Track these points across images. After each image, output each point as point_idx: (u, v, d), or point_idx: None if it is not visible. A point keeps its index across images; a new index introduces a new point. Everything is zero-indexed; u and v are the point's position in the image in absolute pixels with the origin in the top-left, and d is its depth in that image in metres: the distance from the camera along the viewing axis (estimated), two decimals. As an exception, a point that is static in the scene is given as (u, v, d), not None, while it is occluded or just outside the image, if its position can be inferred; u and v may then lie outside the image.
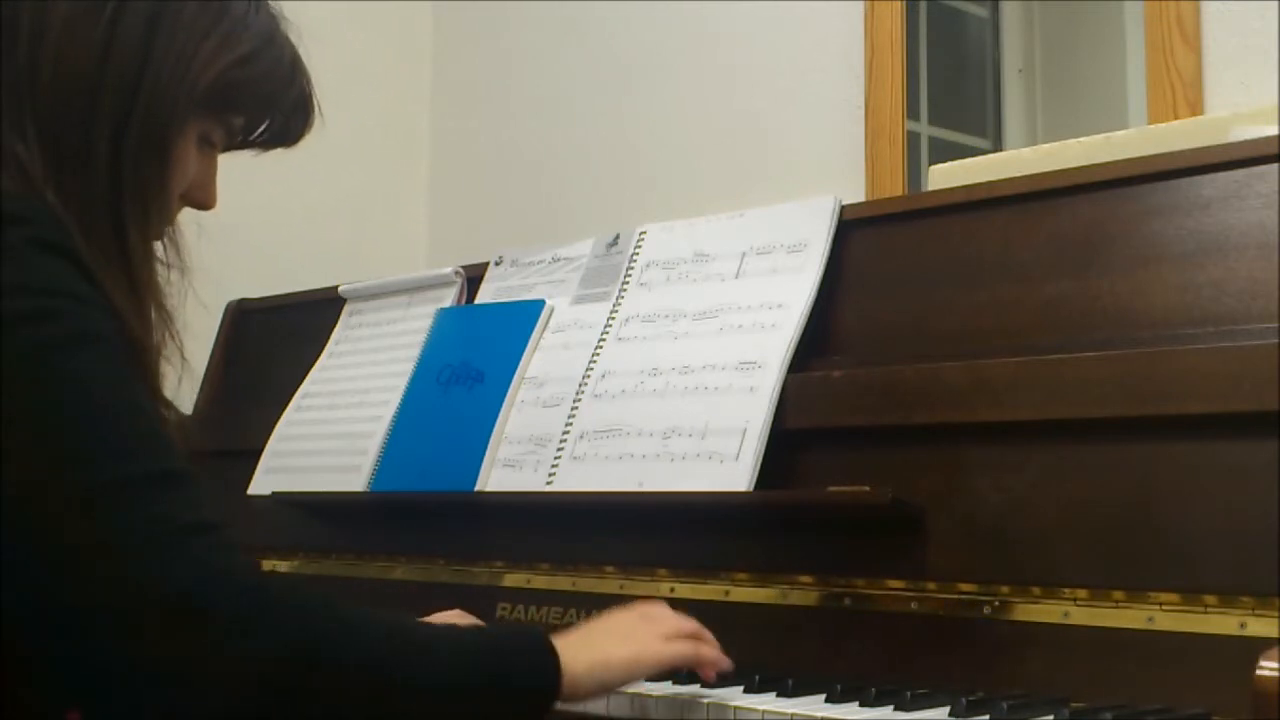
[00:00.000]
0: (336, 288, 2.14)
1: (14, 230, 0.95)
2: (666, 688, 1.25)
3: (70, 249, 0.97)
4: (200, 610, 0.90)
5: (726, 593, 1.46)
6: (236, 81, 1.11)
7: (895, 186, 2.26)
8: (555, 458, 1.62)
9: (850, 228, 1.56)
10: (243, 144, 1.20)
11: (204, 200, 1.16)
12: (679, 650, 1.19)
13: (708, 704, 1.20)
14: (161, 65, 1.05)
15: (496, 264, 1.92)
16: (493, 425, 1.70)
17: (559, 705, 1.11)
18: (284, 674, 0.93)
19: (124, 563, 0.90)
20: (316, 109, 1.20)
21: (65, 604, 0.90)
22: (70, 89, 1.03)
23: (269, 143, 1.20)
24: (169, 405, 1.07)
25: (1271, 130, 1.33)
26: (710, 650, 1.21)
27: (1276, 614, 1.12)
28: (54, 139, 1.02)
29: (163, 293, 1.10)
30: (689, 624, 1.23)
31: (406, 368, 1.88)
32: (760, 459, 1.44)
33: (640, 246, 1.74)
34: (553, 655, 1.10)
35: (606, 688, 1.15)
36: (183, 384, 1.13)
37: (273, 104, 1.16)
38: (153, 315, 1.07)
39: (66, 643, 0.91)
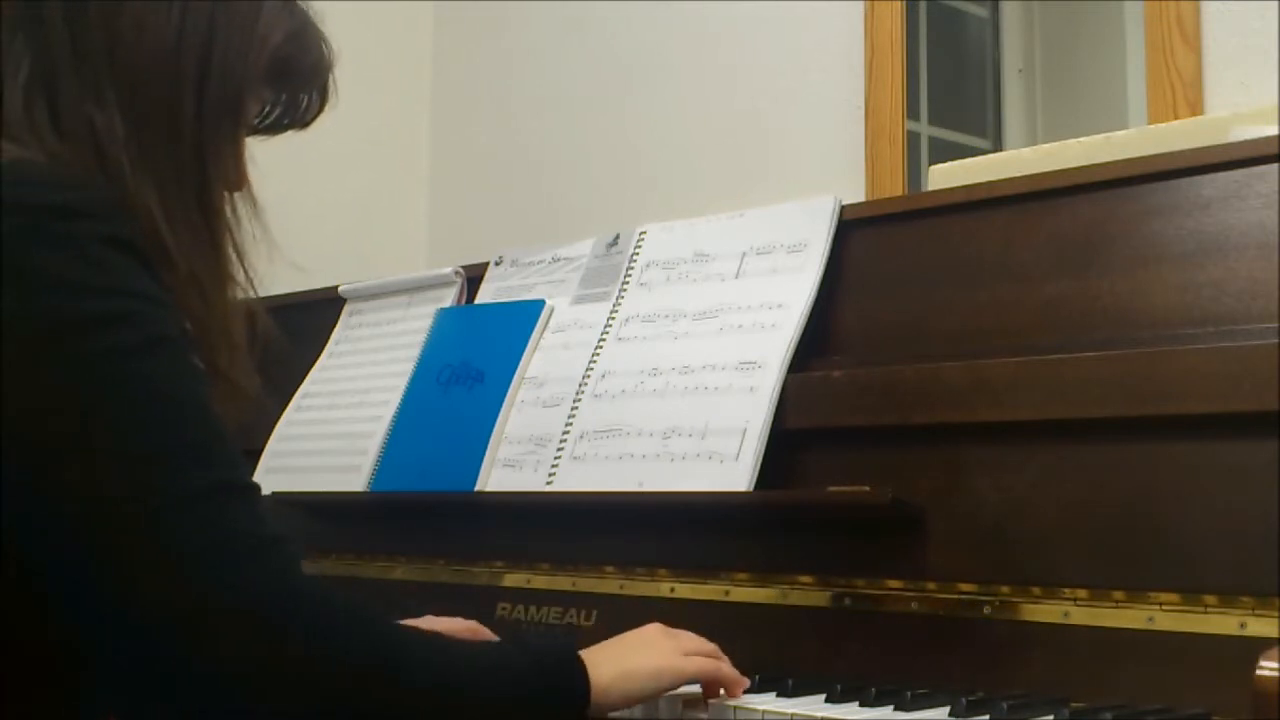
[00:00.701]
0: (336, 288, 2.14)
1: (81, 225, 0.94)
2: (666, 688, 1.25)
3: (139, 245, 0.96)
4: (271, 624, 0.91)
5: (726, 593, 1.46)
6: (290, 56, 1.14)
7: (895, 186, 2.26)
8: (555, 458, 1.62)
9: (850, 228, 1.55)
10: (267, 124, 1.20)
11: (240, 180, 1.16)
12: (701, 665, 1.20)
13: (708, 703, 1.20)
14: (231, 30, 1.07)
15: (496, 264, 1.92)
16: (493, 425, 1.70)
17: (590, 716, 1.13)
18: (347, 691, 0.94)
19: (195, 575, 0.90)
20: (334, 89, 1.22)
21: (135, 614, 0.90)
22: (151, 54, 1.03)
23: (283, 125, 1.21)
24: (235, 374, 1.07)
25: (1271, 130, 1.33)
26: (729, 669, 1.21)
27: (1276, 614, 1.12)
28: (135, 103, 1.02)
29: (245, 259, 1.11)
30: (708, 644, 1.23)
31: (406, 368, 1.88)
32: (760, 459, 1.44)
33: (640, 246, 1.74)
34: (582, 668, 1.12)
35: (630, 699, 1.16)
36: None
37: (312, 80, 1.18)
38: (237, 274, 1.09)
39: (133, 652, 0.92)
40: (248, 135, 1.19)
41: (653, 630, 1.22)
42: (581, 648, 1.15)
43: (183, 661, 0.90)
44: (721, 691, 1.21)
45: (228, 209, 1.09)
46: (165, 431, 0.92)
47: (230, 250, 1.09)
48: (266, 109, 1.18)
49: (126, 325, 0.93)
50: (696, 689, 1.23)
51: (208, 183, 1.06)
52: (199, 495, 0.91)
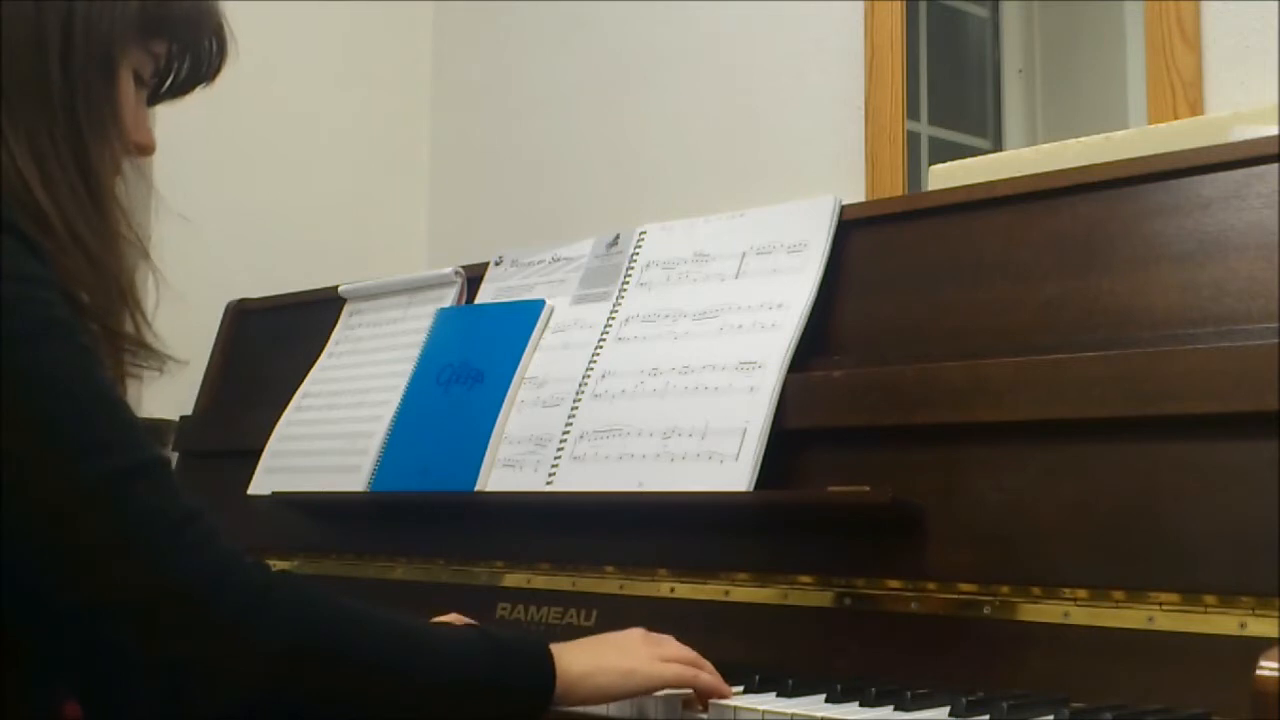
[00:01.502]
0: (336, 288, 2.14)
1: None
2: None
3: (12, 223, 0.95)
4: (202, 603, 0.91)
5: (726, 593, 1.46)
6: (162, 3, 1.11)
7: (895, 186, 2.26)
8: (555, 458, 1.62)
9: (850, 228, 1.55)
10: (170, 85, 1.18)
11: (145, 142, 1.15)
12: (676, 672, 1.19)
13: (708, 703, 1.20)
14: None
15: (496, 264, 1.92)
16: (493, 425, 1.70)
17: (555, 708, 1.12)
18: (287, 665, 0.93)
19: (119, 559, 0.90)
20: (232, 39, 1.19)
21: (64, 601, 0.90)
22: (12, 21, 1.03)
23: (187, 82, 1.19)
24: (145, 337, 1.06)
25: (1271, 130, 1.33)
26: (709, 677, 1.20)
27: (1276, 614, 1.12)
28: (2, 73, 1.02)
29: (131, 218, 1.09)
30: (690, 653, 1.22)
31: (406, 368, 1.88)
32: (760, 459, 1.44)
33: (640, 246, 1.74)
34: (549, 657, 1.11)
35: (601, 695, 1.16)
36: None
37: (193, 29, 1.15)
38: (123, 247, 1.06)
39: (68, 639, 0.91)
40: (166, 99, 1.18)
41: (633, 633, 1.22)
42: None
43: (115, 646, 0.90)
44: (711, 701, 1.20)
45: (110, 169, 1.07)
46: (64, 422, 0.91)
47: (115, 209, 1.07)
48: (166, 67, 1.16)
49: (22, 310, 0.92)
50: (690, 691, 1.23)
51: (84, 144, 1.04)
52: (105, 483, 0.90)
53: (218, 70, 1.19)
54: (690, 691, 1.22)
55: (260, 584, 0.95)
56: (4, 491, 0.89)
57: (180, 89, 1.19)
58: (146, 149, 1.15)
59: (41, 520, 0.89)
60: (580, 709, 1.22)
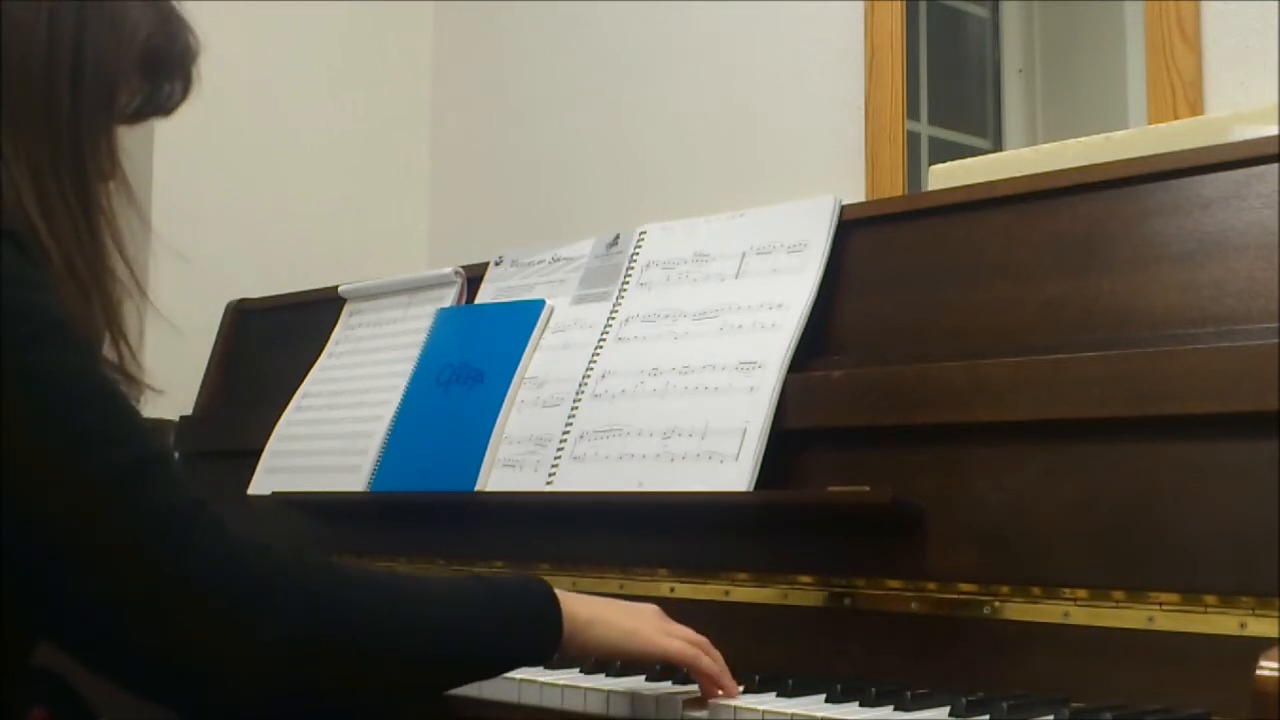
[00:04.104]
0: (336, 288, 2.14)
1: None
2: (666, 687, 1.25)
3: (11, 230, 0.96)
4: (207, 593, 0.92)
5: (726, 593, 1.46)
6: (159, 48, 1.13)
7: (895, 186, 2.26)
8: (555, 458, 1.62)
9: (850, 228, 1.55)
10: (130, 113, 1.19)
11: (113, 169, 1.15)
12: (679, 647, 1.19)
13: (708, 703, 1.20)
14: (100, 25, 1.07)
15: (496, 264, 1.92)
16: (493, 425, 1.70)
17: (559, 655, 1.13)
18: (294, 652, 0.94)
19: (127, 553, 0.90)
20: (198, 76, 1.20)
21: (73, 595, 0.91)
22: (24, 52, 1.03)
23: (144, 115, 1.19)
24: (128, 367, 1.07)
25: (1271, 130, 1.33)
26: (710, 662, 1.20)
27: (1276, 614, 1.12)
28: (10, 100, 1.02)
29: (124, 247, 1.09)
30: (698, 638, 1.22)
31: (406, 368, 1.88)
32: (760, 459, 1.44)
33: (640, 246, 1.74)
34: (555, 598, 1.12)
35: (602, 647, 1.16)
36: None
37: (183, 68, 1.17)
38: (117, 266, 1.07)
39: (78, 631, 0.92)
40: (122, 124, 1.18)
41: (646, 605, 1.22)
42: None
43: (125, 639, 0.91)
44: (719, 692, 1.20)
45: (105, 201, 1.08)
46: (71, 420, 0.92)
47: (109, 242, 1.08)
48: (135, 99, 1.17)
49: (21, 315, 0.93)
50: (696, 689, 1.23)
51: (86, 176, 1.06)
52: (111, 478, 0.91)
53: (175, 107, 1.20)
54: (695, 689, 1.22)
55: (265, 572, 0.95)
56: (11, 491, 0.89)
57: (132, 119, 1.19)
58: (110, 176, 1.16)
59: (49, 518, 0.90)
60: (581, 709, 1.23)
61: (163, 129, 2.56)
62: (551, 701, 1.26)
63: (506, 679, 1.27)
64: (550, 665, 1.31)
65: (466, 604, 1.08)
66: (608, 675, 1.30)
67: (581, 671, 1.32)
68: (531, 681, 1.28)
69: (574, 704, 1.25)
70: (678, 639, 1.20)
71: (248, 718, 0.96)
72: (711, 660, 1.21)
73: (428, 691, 1.10)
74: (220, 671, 0.92)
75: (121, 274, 1.08)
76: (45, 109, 1.04)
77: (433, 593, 1.07)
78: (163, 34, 1.13)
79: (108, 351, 1.06)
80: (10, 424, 0.90)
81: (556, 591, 1.13)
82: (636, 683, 1.26)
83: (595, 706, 1.24)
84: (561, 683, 1.27)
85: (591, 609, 1.15)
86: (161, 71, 1.15)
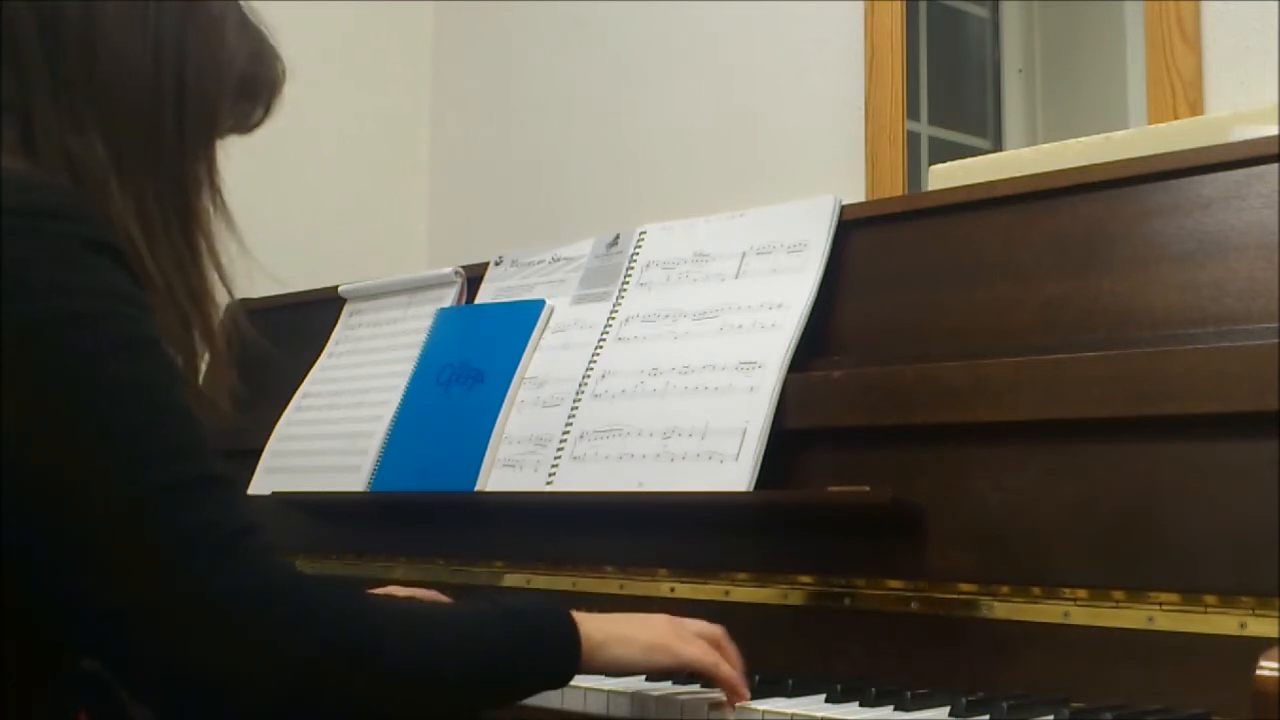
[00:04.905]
0: (336, 288, 2.14)
1: (63, 226, 0.95)
2: (667, 687, 1.25)
3: (118, 248, 0.97)
4: (243, 615, 0.92)
5: (726, 593, 1.46)
6: (254, 74, 1.15)
7: (895, 186, 2.26)
8: (555, 458, 1.62)
9: (850, 228, 1.55)
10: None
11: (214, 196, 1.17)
12: (697, 653, 1.18)
13: (708, 704, 1.20)
14: (202, 53, 1.08)
15: (496, 264, 1.92)
16: (493, 425, 1.70)
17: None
18: (321, 676, 0.95)
19: (171, 567, 0.91)
20: (280, 99, 1.22)
21: (111, 606, 0.91)
22: (130, 79, 1.04)
23: (227, 133, 1.21)
24: (212, 405, 1.09)
25: (1271, 130, 1.33)
26: (728, 668, 1.19)
27: (1276, 614, 1.12)
28: (116, 128, 1.03)
29: (225, 275, 1.11)
30: (714, 629, 1.22)
31: (406, 368, 1.88)
32: (760, 459, 1.44)
33: (640, 246, 1.74)
34: (571, 622, 1.12)
35: (621, 665, 1.15)
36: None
37: (272, 92, 1.19)
38: (219, 293, 1.10)
39: (109, 643, 0.93)
40: None
41: (658, 616, 1.22)
42: None
43: (157, 653, 0.91)
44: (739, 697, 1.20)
45: (207, 226, 1.10)
46: (142, 428, 0.93)
47: (211, 269, 1.09)
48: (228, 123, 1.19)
49: (107, 324, 0.93)
50: (696, 689, 1.23)
51: (189, 203, 1.07)
52: (172, 490, 0.92)
53: (255, 129, 1.21)
54: (695, 689, 1.22)
55: (297, 597, 0.96)
56: (72, 495, 0.90)
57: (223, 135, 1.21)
58: (214, 203, 1.17)
59: (100, 524, 0.90)
60: (580, 709, 1.23)
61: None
62: (551, 701, 1.26)
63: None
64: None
65: (487, 632, 1.07)
66: (608, 675, 1.30)
67: (581, 671, 1.32)
68: (531, 681, 1.28)
69: (574, 704, 1.25)
70: (695, 644, 1.19)
71: None
72: (729, 669, 1.19)
73: (445, 714, 1.10)
74: (244, 692, 0.92)
75: (220, 299, 1.10)
76: (150, 138, 1.05)
77: (453, 620, 1.07)
78: (258, 60, 1.15)
79: (204, 374, 1.08)
80: (83, 428, 0.91)
81: (575, 615, 1.13)
82: (636, 683, 1.26)
83: (595, 706, 1.23)
84: (562, 683, 1.27)
85: (606, 629, 1.15)
86: (255, 97, 1.17)
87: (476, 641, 1.06)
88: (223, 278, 1.11)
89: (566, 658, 1.11)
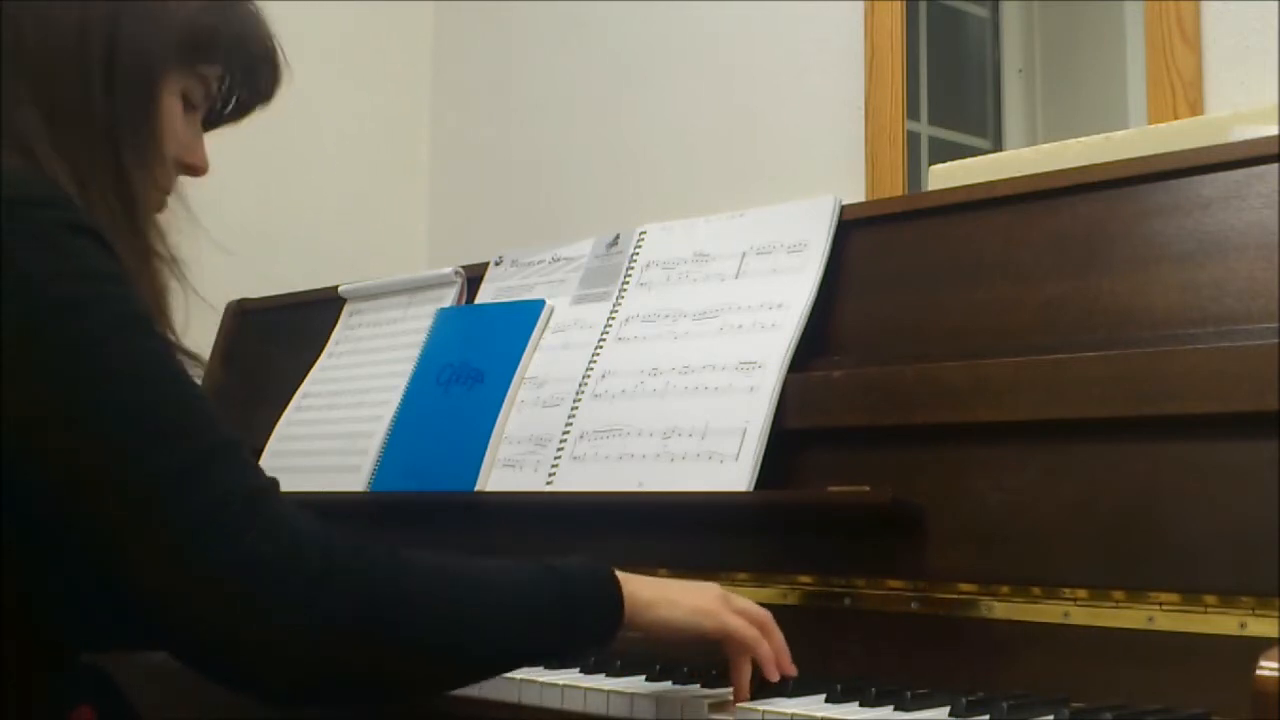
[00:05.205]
0: (336, 288, 2.14)
1: (43, 213, 0.95)
2: (666, 687, 1.25)
3: (96, 229, 0.98)
4: (271, 577, 0.93)
5: (726, 593, 1.46)
6: (207, 27, 1.13)
7: (895, 186, 2.26)
8: (555, 458, 1.62)
9: (850, 228, 1.55)
10: (223, 109, 1.20)
11: (196, 164, 1.17)
12: (741, 624, 1.17)
13: (708, 704, 1.20)
14: (135, 10, 1.08)
15: (496, 264, 1.92)
16: (493, 425, 1.70)
17: (622, 633, 1.13)
18: (351, 635, 0.95)
19: (197, 542, 0.91)
20: (284, 58, 1.20)
21: (147, 590, 0.92)
22: (57, 47, 1.04)
23: (245, 103, 1.20)
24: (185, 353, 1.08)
25: (1271, 130, 1.33)
26: (767, 648, 1.19)
27: (1276, 614, 1.12)
28: (48, 99, 1.03)
29: (166, 239, 1.11)
30: (763, 612, 1.21)
31: (406, 368, 1.88)
32: (760, 459, 1.44)
33: (640, 246, 1.74)
34: (616, 587, 1.12)
35: (669, 627, 1.15)
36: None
37: (242, 51, 1.17)
38: (156, 266, 1.09)
39: (153, 627, 0.94)
40: (227, 121, 1.20)
41: (709, 584, 1.21)
42: None
43: (192, 624, 0.92)
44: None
45: (150, 192, 1.09)
46: (146, 411, 0.93)
47: (151, 232, 1.09)
48: (220, 90, 1.17)
49: (98, 307, 0.94)
50: (696, 689, 1.23)
51: (124, 169, 1.06)
52: (188, 465, 0.93)
53: (272, 93, 1.20)
54: (695, 689, 1.22)
55: (324, 558, 0.96)
56: (87, 481, 0.91)
57: (239, 112, 1.21)
58: (197, 170, 1.17)
59: (119, 506, 0.91)
60: (580, 709, 1.23)
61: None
62: (551, 701, 1.26)
63: (507, 679, 1.27)
64: (560, 665, 1.31)
65: (527, 592, 1.07)
66: (608, 675, 1.30)
67: (581, 671, 1.32)
68: (531, 681, 1.28)
69: (574, 704, 1.25)
70: (741, 616, 1.18)
71: (306, 698, 0.98)
72: (767, 650, 1.19)
73: (482, 675, 1.11)
74: (276, 655, 0.93)
75: (164, 259, 1.09)
76: (81, 103, 1.04)
77: (493, 580, 1.07)
78: (213, 15, 1.13)
79: None
80: (90, 421, 0.91)
81: (618, 573, 1.13)
82: (637, 683, 1.26)
83: (595, 706, 1.23)
84: (561, 683, 1.27)
85: (654, 590, 1.15)
86: (225, 54, 1.15)
87: (516, 604, 1.06)
88: (164, 242, 1.10)
89: (609, 617, 1.11)
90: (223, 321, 2.35)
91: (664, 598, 1.15)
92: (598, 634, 1.12)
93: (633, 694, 1.23)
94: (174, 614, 0.92)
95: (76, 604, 0.98)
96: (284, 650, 0.93)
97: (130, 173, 1.06)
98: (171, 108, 1.11)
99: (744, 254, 1.61)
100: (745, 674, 1.18)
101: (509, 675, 1.27)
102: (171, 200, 1.15)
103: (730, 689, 1.20)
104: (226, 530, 0.92)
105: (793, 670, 1.20)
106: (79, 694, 1.05)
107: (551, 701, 1.25)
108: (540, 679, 1.28)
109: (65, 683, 1.03)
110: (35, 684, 0.99)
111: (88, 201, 1.02)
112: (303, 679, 0.95)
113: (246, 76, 1.18)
